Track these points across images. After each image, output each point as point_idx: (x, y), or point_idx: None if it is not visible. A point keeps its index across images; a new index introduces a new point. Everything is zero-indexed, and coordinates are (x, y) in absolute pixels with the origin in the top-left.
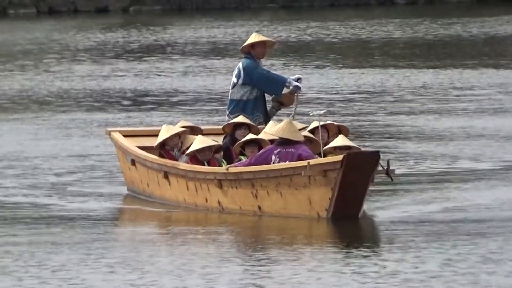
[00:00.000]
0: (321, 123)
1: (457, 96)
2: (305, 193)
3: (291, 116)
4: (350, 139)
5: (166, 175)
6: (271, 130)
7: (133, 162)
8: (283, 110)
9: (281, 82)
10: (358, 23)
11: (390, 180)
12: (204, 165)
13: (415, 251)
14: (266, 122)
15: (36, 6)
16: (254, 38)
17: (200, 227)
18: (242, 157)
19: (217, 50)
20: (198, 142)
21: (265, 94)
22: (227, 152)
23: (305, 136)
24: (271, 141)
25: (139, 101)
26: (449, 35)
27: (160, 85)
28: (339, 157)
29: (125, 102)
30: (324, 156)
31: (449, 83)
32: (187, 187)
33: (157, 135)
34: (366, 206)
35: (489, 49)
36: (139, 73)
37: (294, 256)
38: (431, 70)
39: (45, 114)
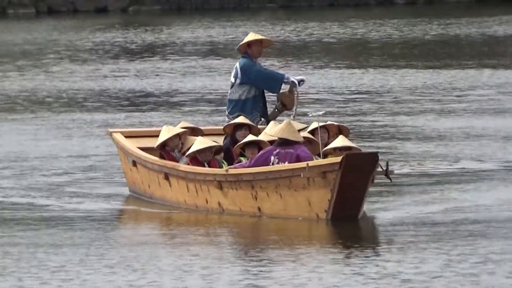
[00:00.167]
0: (321, 123)
1: (457, 96)
2: (304, 195)
3: (291, 116)
4: (350, 140)
5: (166, 176)
6: (270, 131)
7: (134, 163)
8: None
9: (279, 78)
10: (357, 23)
11: (389, 181)
12: (204, 166)
13: (416, 252)
14: (267, 122)
15: (35, 6)
16: (250, 37)
17: (201, 228)
18: (242, 158)
19: (217, 50)
20: (198, 143)
21: (265, 94)
22: (228, 153)
23: (304, 137)
24: (271, 142)
25: (138, 101)
26: (449, 35)
27: (159, 85)
28: (338, 159)
29: (125, 102)
30: (325, 156)
31: (449, 83)
32: (188, 188)
33: (158, 136)
34: (366, 207)
35: (488, 49)
36: (139, 73)
37: (294, 257)
38: (430, 70)
39: (45, 114)
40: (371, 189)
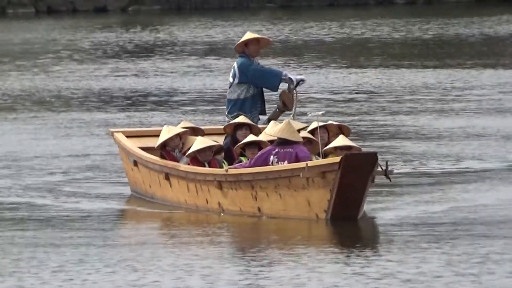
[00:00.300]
0: (321, 123)
1: (457, 96)
2: (303, 195)
3: (291, 116)
4: (351, 139)
5: (167, 176)
6: (270, 131)
7: (135, 163)
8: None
9: (277, 75)
10: (357, 22)
11: (388, 181)
12: (205, 166)
13: (416, 252)
14: (268, 121)
15: (35, 6)
16: (247, 36)
17: (201, 228)
18: (242, 158)
19: (216, 50)
20: (198, 143)
21: (264, 94)
22: (229, 152)
23: (304, 137)
24: (271, 142)
25: (138, 101)
26: (448, 35)
27: (159, 84)
28: (337, 159)
29: (125, 102)
30: (325, 156)
31: (448, 83)
32: (188, 189)
33: (159, 136)
34: (366, 207)
35: (487, 49)
36: (138, 73)
37: (294, 256)
38: (430, 70)
39: (45, 113)
40: (371, 189)
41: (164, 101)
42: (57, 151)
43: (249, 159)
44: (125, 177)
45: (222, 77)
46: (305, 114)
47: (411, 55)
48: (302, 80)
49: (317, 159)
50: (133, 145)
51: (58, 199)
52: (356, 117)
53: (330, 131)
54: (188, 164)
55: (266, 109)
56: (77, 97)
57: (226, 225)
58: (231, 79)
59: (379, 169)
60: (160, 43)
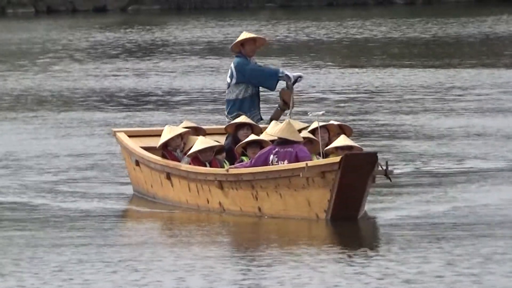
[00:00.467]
0: (322, 123)
1: (457, 95)
2: (304, 195)
3: (288, 114)
4: (352, 139)
5: (168, 176)
6: (271, 131)
7: (137, 163)
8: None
9: (274, 73)
10: (356, 22)
11: (389, 181)
12: (206, 166)
13: (417, 251)
14: (269, 121)
15: (35, 6)
16: (243, 35)
17: (202, 228)
18: (244, 158)
19: (216, 49)
20: (199, 143)
21: (260, 94)
22: (230, 152)
23: (305, 137)
24: (272, 142)
25: (138, 100)
26: (448, 35)
27: (159, 84)
28: (337, 159)
29: (125, 102)
30: (326, 156)
31: (448, 83)
32: (189, 188)
33: (161, 136)
34: (367, 207)
35: (487, 49)
36: (138, 72)
37: (295, 256)
38: (429, 69)
39: (45, 113)
40: (372, 189)
41: (164, 101)
42: (57, 150)
43: (250, 159)
44: (126, 177)
45: (222, 76)
46: (305, 114)
47: (410, 55)
48: (300, 77)
49: (317, 159)
50: (135, 144)
51: (58, 199)
52: (356, 117)
53: (331, 131)
54: (190, 164)
55: (266, 110)
56: (77, 97)
57: (226, 225)
58: (228, 80)
59: (379, 169)
60: (160, 42)
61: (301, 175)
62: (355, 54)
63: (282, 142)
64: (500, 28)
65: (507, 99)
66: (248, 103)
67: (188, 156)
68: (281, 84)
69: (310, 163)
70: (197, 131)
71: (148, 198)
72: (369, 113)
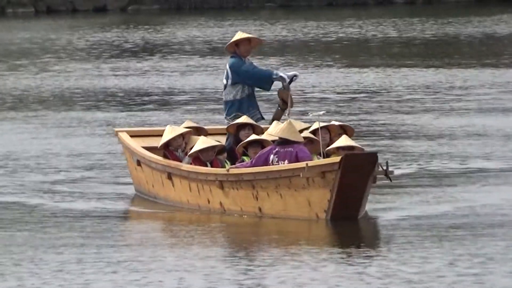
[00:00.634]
0: (324, 124)
1: (457, 95)
2: (304, 195)
3: (287, 114)
4: (352, 139)
5: (169, 176)
6: (272, 131)
7: (138, 163)
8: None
9: (268, 75)
10: (356, 22)
11: (389, 181)
12: (207, 166)
13: (418, 251)
14: (273, 120)
15: (34, 6)
16: (238, 36)
17: (203, 227)
18: (245, 157)
19: (216, 49)
20: (200, 143)
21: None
22: (231, 152)
23: (306, 137)
24: (274, 142)
25: (139, 100)
26: (447, 35)
27: (159, 84)
28: (337, 159)
29: (125, 101)
30: (327, 156)
31: (448, 83)
32: (190, 188)
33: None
34: (368, 207)
35: (487, 49)
36: (138, 72)
37: (296, 256)
38: (429, 69)
39: (45, 113)
40: (372, 189)
41: (165, 101)
42: (57, 150)
43: (251, 159)
44: (127, 177)
45: (221, 76)
46: (306, 114)
47: (410, 55)
48: (295, 76)
49: (318, 159)
50: (136, 144)
51: (58, 198)
52: (356, 117)
53: (332, 132)
54: (191, 164)
55: (267, 109)
56: (77, 97)
57: (227, 225)
58: (224, 81)
59: (380, 169)
60: (160, 42)
61: (301, 175)
62: (355, 54)
63: (282, 142)
64: (500, 28)
65: (507, 99)
66: (246, 103)
67: (189, 156)
68: (278, 85)
69: (310, 163)
70: (199, 131)
71: (150, 198)
72: (369, 113)
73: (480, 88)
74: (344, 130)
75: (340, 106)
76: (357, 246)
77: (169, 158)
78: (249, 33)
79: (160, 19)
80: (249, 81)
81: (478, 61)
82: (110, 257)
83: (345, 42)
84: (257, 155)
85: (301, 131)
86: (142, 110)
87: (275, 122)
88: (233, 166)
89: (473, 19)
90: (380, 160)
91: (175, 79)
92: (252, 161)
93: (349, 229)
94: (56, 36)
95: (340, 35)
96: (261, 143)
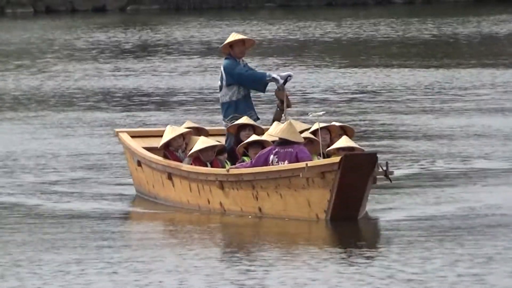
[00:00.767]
0: (324, 124)
1: (457, 95)
2: (304, 195)
3: (283, 115)
4: (353, 140)
5: (170, 176)
6: (272, 131)
7: (139, 163)
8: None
9: (260, 77)
10: (355, 22)
11: (389, 181)
12: (207, 166)
13: (419, 252)
14: (273, 120)
15: (34, 6)
16: (232, 37)
17: (203, 228)
18: (245, 158)
19: (215, 50)
20: (200, 143)
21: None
22: (232, 153)
23: (306, 137)
24: (273, 142)
25: (138, 100)
26: (446, 35)
27: (159, 84)
28: (337, 159)
29: (124, 102)
30: (328, 157)
31: (448, 83)
32: (190, 189)
33: None
34: (368, 207)
35: (485, 49)
36: (138, 72)
37: (297, 257)
38: (429, 69)
39: (45, 113)
40: (372, 190)
41: (164, 101)
42: (57, 151)
43: (251, 159)
44: (127, 177)
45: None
46: (305, 114)
47: (410, 55)
48: (289, 76)
49: (318, 159)
50: (137, 145)
51: (58, 199)
52: (356, 117)
53: (333, 132)
54: (191, 164)
55: (267, 110)
56: (77, 97)
57: (227, 226)
58: (219, 82)
59: (380, 169)
60: (159, 42)
61: (301, 176)
62: (354, 54)
63: (282, 142)
64: (500, 28)
65: (507, 99)
66: (243, 104)
67: (189, 156)
68: (274, 85)
69: (310, 163)
70: (200, 131)
71: (150, 198)
72: (369, 113)
73: (480, 88)
74: (345, 131)
75: (339, 107)
76: (357, 247)
77: (169, 159)
78: (244, 34)
79: (159, 19)
80: (242, 84)
81: (478, 61)
82: (111, 257)
83: (344, 42)
84: (257, 155)
85: (301, 131)
86: (141, 110)
87: (275, 122)
88: (233, 166)
89: (472, 19)
90: (379, 161)
91: (174, 79)
92: (252, 162)
93: (350, 229)
94: (55, 36)
95: (339, 35)
96: (261, 144)
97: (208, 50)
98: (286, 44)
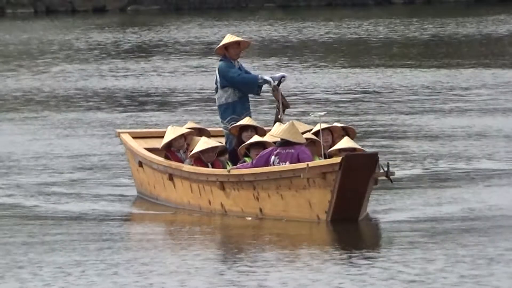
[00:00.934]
0: (326, 125)
1: (457, 95)
2: (305, 196)
3: (279, 116)
4: (355, 141)
5: (171, 177)
6: (274, 132)
7: (140, 164)
8: (287, 113)
9: (252, 81)
10: (355, 22)
11: (390, 182)
12: (208, 167)
13: (421, 252)
14: (275, 121)
15: (34, 6)
16: (227, 39)
17: (204, 229)
18: (246, 158)
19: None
20: (202, 144)
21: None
22: (233, 154)
23: (307, 138)
24: (275, 143)
25: (138, 101)
26: (447, 35)
27: (159, 84)
28: (337, 159)
29: (125, 102)
30: (329, 158)
31: (448, 83)
32: (191, 189)
33: None
34: (369, 208)
35: (486, 49)
36: (138, 73)
37: (298, 257)
38: (429, 69)
39: (45, 114)
40: (373, 190)
41: (165, 102)
42: (57, 151)
43: (252, 160)
44: (127, 178)
45: None
46: (305, 114)
47: (410, 55)
48: (283, 77)
49: (320, 160)
50: (138, 146)
51: (58, 200)
52: (356, 117)
53: (335, 133)
54: (192, 165)
55: (267, 110)
56: (77, 97)
57: (228, 226)
58: (215, 85)
59: (381, 170)
60: (159, 43)
61: (302, 176)
62: (354, 54)
63: (283, 143)
64: (500, 28)
65: (507, 99)
66: (240, 106)
67: (191, 156)
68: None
69: (311, 163)
70: (201, 132)
71: (151, 199)
72: (369, 113)
73: (480, 88)
74: (347, 131)
75: (340, 107)
76: (358, 248)
77: (170, 159)
78: (240, 35)
79: (159, 20)
80: (236, 87)
81: (478, 61)
82: (111, 259)
83: (344, 43)
84: (258, 156)
85: (303, 132)
86: (142, 111)
87: (277, 123)
88: (234, 167)
89: (472, 19)
90: (380, 161)
91: (174, 80)
92: (253, 162)
93: (351, 230)
94: (55, 37)
95: (340, 35)
96: (263, 145)
97: (208, 50)
98: (286, 44)
